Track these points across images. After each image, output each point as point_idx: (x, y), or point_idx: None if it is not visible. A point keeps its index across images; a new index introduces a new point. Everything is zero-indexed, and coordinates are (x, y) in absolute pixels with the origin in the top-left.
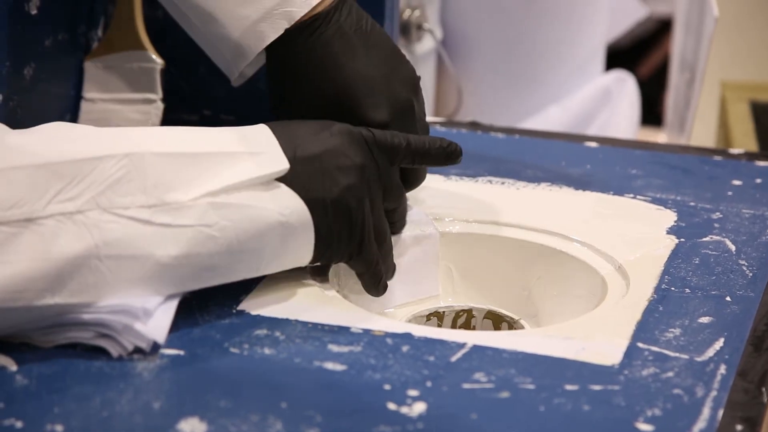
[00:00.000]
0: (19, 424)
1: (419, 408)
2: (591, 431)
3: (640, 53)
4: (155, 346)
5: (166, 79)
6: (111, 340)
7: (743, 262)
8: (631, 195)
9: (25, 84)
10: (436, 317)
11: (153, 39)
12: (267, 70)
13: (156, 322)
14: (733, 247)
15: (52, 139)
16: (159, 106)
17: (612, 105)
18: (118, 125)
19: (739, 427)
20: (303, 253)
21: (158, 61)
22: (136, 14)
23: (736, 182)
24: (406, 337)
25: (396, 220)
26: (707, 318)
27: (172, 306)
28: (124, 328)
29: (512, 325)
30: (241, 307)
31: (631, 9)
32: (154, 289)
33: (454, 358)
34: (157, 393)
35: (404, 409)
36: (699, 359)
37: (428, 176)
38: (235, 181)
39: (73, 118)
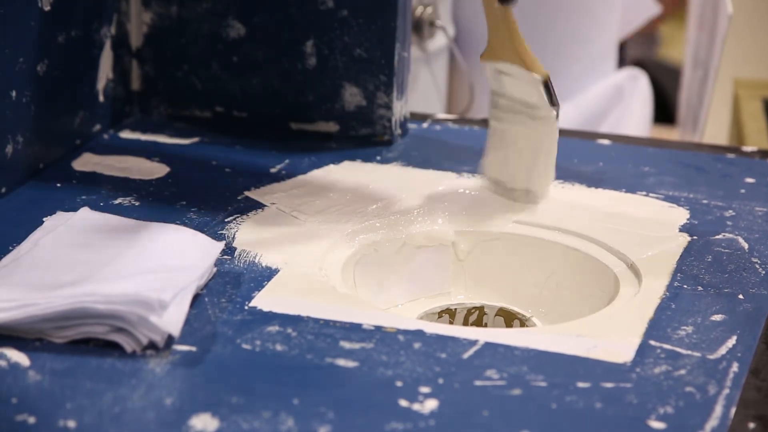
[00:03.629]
0: (31, 420)
1: (431, 405)
2: (603, 429)
3: None
4: (168, 341)
5: (179, 75)
6: (125, 334)
7: (756, 260)
8: (644, 193)
9: (39, 80)
10: (448, 314)
11: (168, 36)
12: None
13: (171, 315)
14: (746, 245)
15: None
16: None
17: (624, 103)
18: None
19: (751, 425)
20: None
21: (536, 77)
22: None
23: (749, 180)
24: (418, 334)
25: None
26: (720, 316)
27: (187, 299)
28: (139, 320)
29: (524, 322)
30: (253, 303)
31: (643, 6)
32: None
33: (465, 355)
34: (169, 389)
35: (416, 406)
36: (711, 357)
37: (441, 174)
38: None
39: (86, 114)
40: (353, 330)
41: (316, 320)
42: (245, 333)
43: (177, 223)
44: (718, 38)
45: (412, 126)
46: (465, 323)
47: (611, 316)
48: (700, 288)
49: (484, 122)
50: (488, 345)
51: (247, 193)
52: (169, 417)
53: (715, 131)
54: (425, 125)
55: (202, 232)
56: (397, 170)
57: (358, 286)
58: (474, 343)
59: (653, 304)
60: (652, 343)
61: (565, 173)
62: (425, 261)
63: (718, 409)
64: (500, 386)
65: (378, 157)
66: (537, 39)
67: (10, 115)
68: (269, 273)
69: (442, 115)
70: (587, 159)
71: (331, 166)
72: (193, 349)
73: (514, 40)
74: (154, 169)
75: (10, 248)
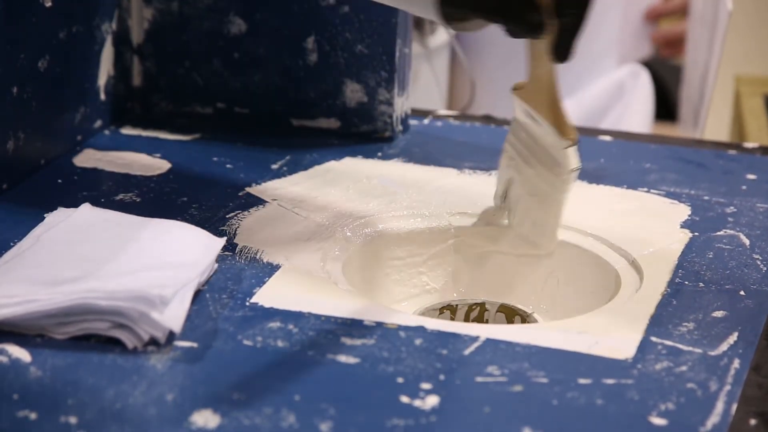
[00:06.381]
0: (33, 416)
1: (432, 401)
2: (604, 425)
3: None
4: (169, 337)
5: (180, 72)
6: (126, 330)
7: (757, 257)
8: (645, 189)
9: (40, 76)
10: (449, 311)
11: (170, 32)
12: None
13: (172, 311)
14: (747, 242)
15: None
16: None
17: (626, 99)
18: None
19: (752, 421)
20: None
21: (565, 141)
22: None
23: (751, 176)
24: (419, 330)
25: None
26: (721, 312)
27: (188, 295)
28: (141, 317)
29: (525, 318)
30: (255, 299)
31: (639, 45)
32: None
33: (467, 352)
34: (170, 385)
35: (417, 402)
36: (713, 353)
37: (441, 170)
38: None
39: (87, 110)
40: (354, 326)
41: (318, 316)
42: (246, 329)
43: (178, 220)
44: (718, 35)
45: (413, 122)
46: (466, 319)
47: (612, 312)
48: (701, 284)
49: (485, 119)
50: (489, 341)
51: (248, 190)
52: (171, 413)
53: (716, 128)
54: (426, 121)
55: (204, 228)
56: (399, 166)
57: (359, 283)
58: (475, 339)
59: (654, 301)
60: (654, 339)
61: None
62: (426, 257)
63: (720, 406)
64: (501, 382)
65: (379, 154)
66: None
67: (12, 111)
68: (270, 269)
69: (443, 112)
70: (588, 155)
71: (333, 162)
72: (195, 345)
73: (551, 94)
74: (156, 166)
75: (12, 244)
